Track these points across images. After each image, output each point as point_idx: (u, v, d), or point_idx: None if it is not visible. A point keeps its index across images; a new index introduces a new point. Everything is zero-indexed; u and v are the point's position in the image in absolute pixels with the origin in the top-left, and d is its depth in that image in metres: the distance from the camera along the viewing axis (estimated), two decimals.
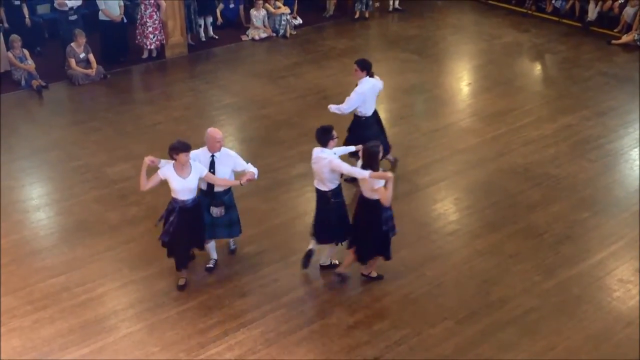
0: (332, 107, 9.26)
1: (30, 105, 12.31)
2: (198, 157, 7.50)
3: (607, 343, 7.18)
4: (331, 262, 8.18)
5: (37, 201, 9.50)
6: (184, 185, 7.32)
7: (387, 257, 7.76)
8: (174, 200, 7.46)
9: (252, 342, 7.12)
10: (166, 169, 7.33)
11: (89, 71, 12.96)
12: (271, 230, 8.89)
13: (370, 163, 7.28)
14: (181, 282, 7.87)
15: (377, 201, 7.34)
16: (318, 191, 7.76)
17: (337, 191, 7.73)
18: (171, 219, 7.50)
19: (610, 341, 7.20)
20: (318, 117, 11.42)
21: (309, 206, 9.41)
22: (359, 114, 9.27)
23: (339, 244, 7.96)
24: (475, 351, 7.06)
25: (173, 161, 7.28)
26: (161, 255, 8.33)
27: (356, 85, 9.23)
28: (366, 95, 9.12)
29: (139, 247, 8.54)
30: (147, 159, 7.32)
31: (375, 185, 7.27)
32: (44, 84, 12.70)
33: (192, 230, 7.61)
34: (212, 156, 7.55)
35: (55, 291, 7.78)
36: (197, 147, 7.59)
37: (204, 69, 13.94)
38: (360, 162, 7.41)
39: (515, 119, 11.81)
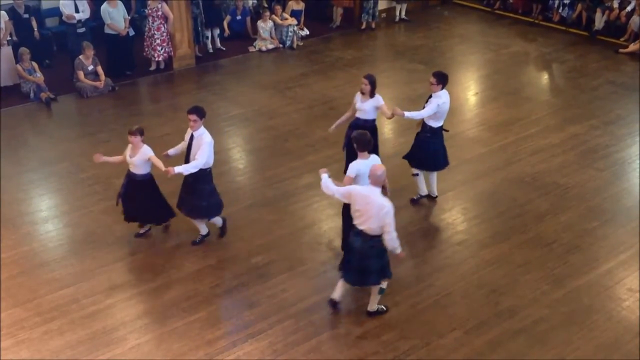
0: (189, 167, 8.23)
1: (39, 117, 12.38)
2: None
3: (618, 353, 7.13)
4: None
5: (46, 213, 9.53)
6: None
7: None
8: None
9: (260, 353, 7.11)
10: None
11: (97, 83, 13.03)
12: (279, 241, 8.88)
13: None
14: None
15: None
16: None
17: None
18: None
19: (621, 351, 7.16)
20: (325, 127, 11.42)
21: (316, 216, 9.41)
22: (205, 167, 8.41)
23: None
24: None
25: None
26: (168, 267, 8.36)
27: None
28: (212, 145, 8.45)
29: (147, 258, 8.55)
30: None
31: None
32: (52, 96, 12.77)
33: None
34: None
35: (64, 303, 7.79)
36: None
37: (211, 80, 13.99)
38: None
39: (522, 129, 11.80)
